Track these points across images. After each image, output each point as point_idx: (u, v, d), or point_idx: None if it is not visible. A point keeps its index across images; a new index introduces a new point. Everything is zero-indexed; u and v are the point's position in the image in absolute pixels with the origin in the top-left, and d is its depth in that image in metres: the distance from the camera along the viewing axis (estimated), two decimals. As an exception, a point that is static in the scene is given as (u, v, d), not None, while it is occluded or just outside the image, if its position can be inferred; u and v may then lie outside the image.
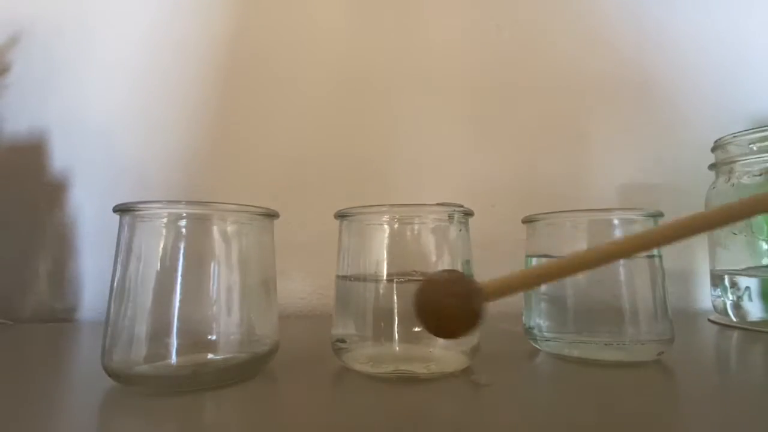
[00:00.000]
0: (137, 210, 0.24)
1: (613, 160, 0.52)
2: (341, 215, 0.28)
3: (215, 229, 0.25)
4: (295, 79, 0.51)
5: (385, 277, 0.26)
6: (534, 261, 0.32)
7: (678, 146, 0.53)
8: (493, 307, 0.51)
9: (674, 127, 0.53)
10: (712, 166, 0.45)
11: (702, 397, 0.23)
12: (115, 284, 0.24)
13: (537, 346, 0.31)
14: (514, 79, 0.53)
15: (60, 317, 0.46)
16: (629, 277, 0.28)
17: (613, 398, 0.23)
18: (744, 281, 0.40)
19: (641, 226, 0.30)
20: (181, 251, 0.24)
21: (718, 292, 0.42)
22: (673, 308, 0.29)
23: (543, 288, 0.31)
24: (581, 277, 0.29)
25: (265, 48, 0.51)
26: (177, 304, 0.23)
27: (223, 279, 0.25)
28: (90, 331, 0.40)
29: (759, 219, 0.39)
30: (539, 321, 0.30)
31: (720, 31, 0.55)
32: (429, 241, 0.27)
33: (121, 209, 0.24)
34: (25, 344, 0.37)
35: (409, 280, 0.26)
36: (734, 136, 0.42)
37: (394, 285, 0.26)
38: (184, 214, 0.25)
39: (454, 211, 0.27)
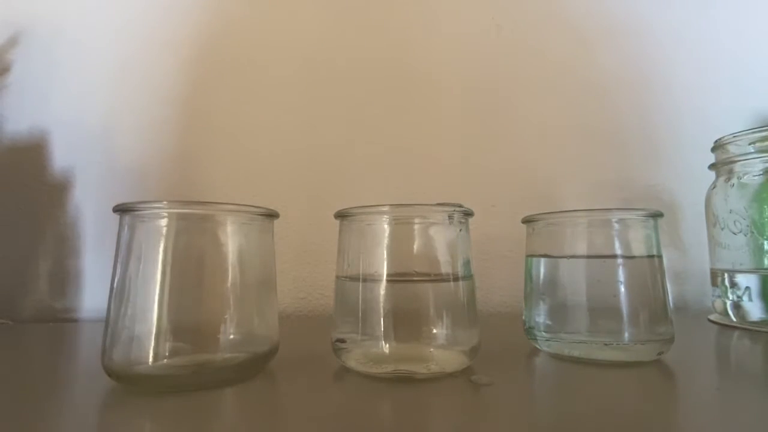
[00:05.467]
0: (137, 210, 0.24)
1: (612, 160, 0.52)
2: (341, 215, 0.28)
3: (215, 229, 0.25)
4: (296, 79, 0.51)
5: (385, 277, 0.26)
6: (534, 261, 0.32)
7: (678, 146, 0.53)
8: (493, 308, 0.51)
9: (674, 127, 0.53)
10: (712, 166, 0.45)
11: (702, 397, 0.23)
12: (115, 284, 0.24)
13: (537, 346, 0.31)
14: (514, 79, 0.53)
15: (60, 317, 0.46)
16: (629, 277, 0.28)
17: (613, 398, 0.23)
18: (744, 281, 0.40)
19: (641, 226, 0.30)
20: (181, 251, 0.24)
21: (718, 292, 0.42)
22: (673, 308, 0.29)
23: (543, 288, 0.31)
24: (581, 277, 0.29)
25: (265, 49, 0.51)
26: (177, 304, 0.23)
27: (223, 279, 0.25)
28: (90, 331, 0.40)
29: (759, 219, 0.39)
30: (539, 321, 0.30)
31: (720, 30, 0.55)
32: (429, 241, 0.27)
33: (121, 209, 0.24)
34: (25, 344, 0.37)
35: (409, 280, 0.26)
36: (734, 136, 0.42)
37: (394, 285, 0.26)
38: (184, 214, 0.25)
39: (454, 211, 0.27)
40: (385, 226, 0.27)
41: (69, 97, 0.49)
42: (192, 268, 0.25)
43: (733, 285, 0.41)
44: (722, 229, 0.42)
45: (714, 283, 0.43)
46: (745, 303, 0.39)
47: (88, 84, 0.49)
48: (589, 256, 0.29)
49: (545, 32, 0.54)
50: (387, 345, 0.25)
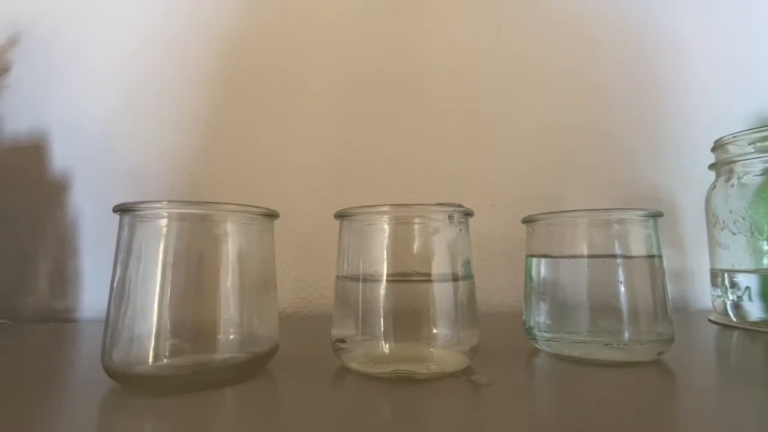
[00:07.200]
0: (137, 210, 0.24)
1: (612, 160, 0.52)
2: (341, 215, 0.28)
3: (215, 229, 0.25)
4: (295, 79, 0.51)
5: (385, 277, 0.26)
6: (534, 261, 0.32)
7: (678, 146, 0.53)
8: (493, 308, 0.51)
9: (674, 127, 0.53)
10: (712, 166, 0.45)
11: (702, 397, 0.23)
12: (115, 284, 0.24)
13: (537, 346, 0.31)
14: (513, 79, 0.53)
15: (60, 317, 0.46)
16: (629, 277, 0.28)
17: (613, 398, 0.23)
18: (744, 281, 0.40)
19: (641, 226, 0.30)
20: (181, 251, 0.24)
21: (718, 292, 0.42)
22: (673, 308, 0.29)
23: (543, 288, 0.31)
24: (581, 277, 0.29)
25: (265, 49, 0.51)
26: (177, 304, 0.23)
27: (223, 279, 0.25)
28: (90, 331, 0.40)
29: (759, 219, 0.39)
30: (539, 321, 0.30)
31: (720, 31, 0.55)
32: (429, 241, 0.27)
33: (121, 209, 0.24)
34: (25, 344, 0.37)
35: (409, 280, 0.26)
36: (734, 136, 0.42)
37: (394, 285, 0.26)
38: (184, 214, 0.25)
39: (454, 211, 0.27)
40: (385, 226, 0.27)
41: (69, 97, 0.49)
42: (192, 268, 0.25)
43: (733, 285, 0.41)
44: (722, 229, 0.42)
45: (714, 283, 0.43)
46: (745, 303, 0.39)
47: (88, 84, 0.49)
48: (589, 256, 0.29)
49: (545, 32, 0.54)
50: (387, 345, 0.25)
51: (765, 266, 0.39)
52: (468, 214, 0.28)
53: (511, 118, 0.52)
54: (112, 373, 0.23)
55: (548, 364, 0.29)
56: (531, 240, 0.33)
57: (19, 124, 0.48)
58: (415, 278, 0.26)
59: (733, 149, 0.42)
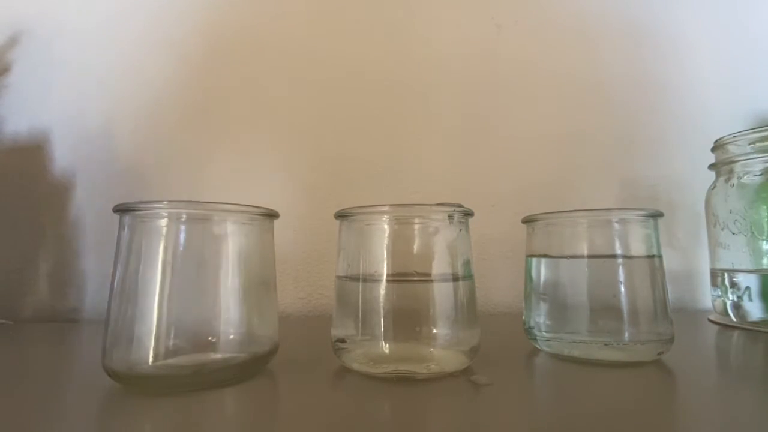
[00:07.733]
0: (137, 210, 0.24)
1: (612, 160, 0.52)
2: (341, 215, 0.28)
3: (215, 229, 0.25)
4: (295, 79, 0.51)
5: (385, 277, 0.26)
6: (534, 261, 0.32)
7: (678, 146, 0.53)
8: (493, 308, 0.50)
9: (674, 127, 0.53)
10: (712, 166, 0.45)
11: (702, 397, 0.23)
12: (115, 284, 0.24)
13: (537, 346, 0.31)
14: (514, 79, 0.53)
15: (60, 317, 0.46)
16: (629, 277, 0.28)
17: (613, 398, 0.23)
18: (744, 281, 0.40)
19: (641, 226, 0.30)
20: (181, 251, 0.24)
21: (718, 292, 0.42)
22: (673, 308, 0.29)
23: (543, 288, 0.31)
24: (581, 277, 0.29)
25: (265, 48, 0.51)
26: (177, 304, 0.23)
27: (223, 279, 0.25)
28: (90, 331, 0.40)
29: (759, 219, 0.39)
30: (539, 321, 0.30)
31: (720, 31, 0.55)
32: (429, 241, 0.27)
33: (121, 209, 0.24)
34: (26, 344, 0.37)
35: (409, 280, 0.26)
36: (734, 136, 0.42)
37: (394, 285, 0.26)
38: (184, 214, 0.25)
39: (454, 211, 0.27)
40: (385, 226, 0.27)
41: (69, 97, 0.49)
42: (192, 268, 0.25)
43: (733, 285, 0.41)
44: (722, 229, 0.42)
45: (714, 283, 0.43)
46: (745, 303, 0.39)
47: (88, 84, 0.49)
48: (589, 256, 0.29)
49: (545, 32, 0.54)
50: (387, 345, 0.25)
51: (765, 266, 0.39)
52: (468, 214, 0.28)
53: (511, 118, 0.52)
54: (112, 373, 0.23)
55: (548, 364, 0.29)
56: (531, 240, 0.33)
57: (19, 124, 0.48)
58: (415, 278, 0.26)
59: (733, 149, 0.42)
